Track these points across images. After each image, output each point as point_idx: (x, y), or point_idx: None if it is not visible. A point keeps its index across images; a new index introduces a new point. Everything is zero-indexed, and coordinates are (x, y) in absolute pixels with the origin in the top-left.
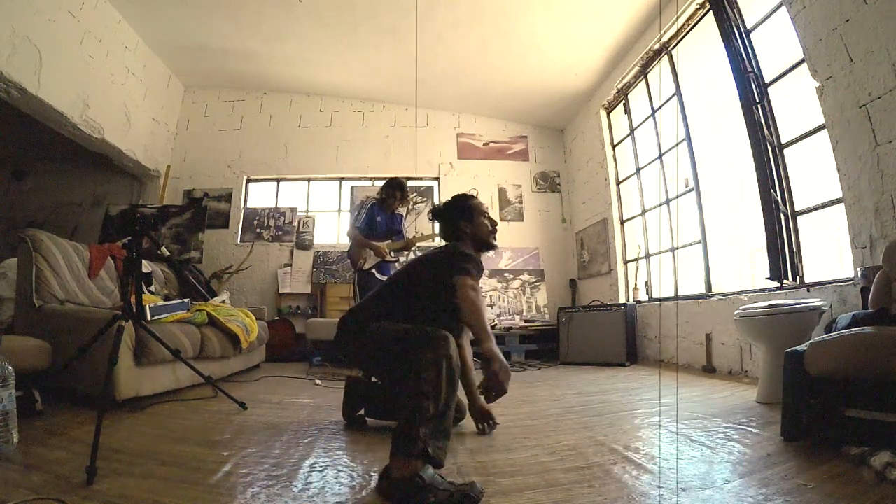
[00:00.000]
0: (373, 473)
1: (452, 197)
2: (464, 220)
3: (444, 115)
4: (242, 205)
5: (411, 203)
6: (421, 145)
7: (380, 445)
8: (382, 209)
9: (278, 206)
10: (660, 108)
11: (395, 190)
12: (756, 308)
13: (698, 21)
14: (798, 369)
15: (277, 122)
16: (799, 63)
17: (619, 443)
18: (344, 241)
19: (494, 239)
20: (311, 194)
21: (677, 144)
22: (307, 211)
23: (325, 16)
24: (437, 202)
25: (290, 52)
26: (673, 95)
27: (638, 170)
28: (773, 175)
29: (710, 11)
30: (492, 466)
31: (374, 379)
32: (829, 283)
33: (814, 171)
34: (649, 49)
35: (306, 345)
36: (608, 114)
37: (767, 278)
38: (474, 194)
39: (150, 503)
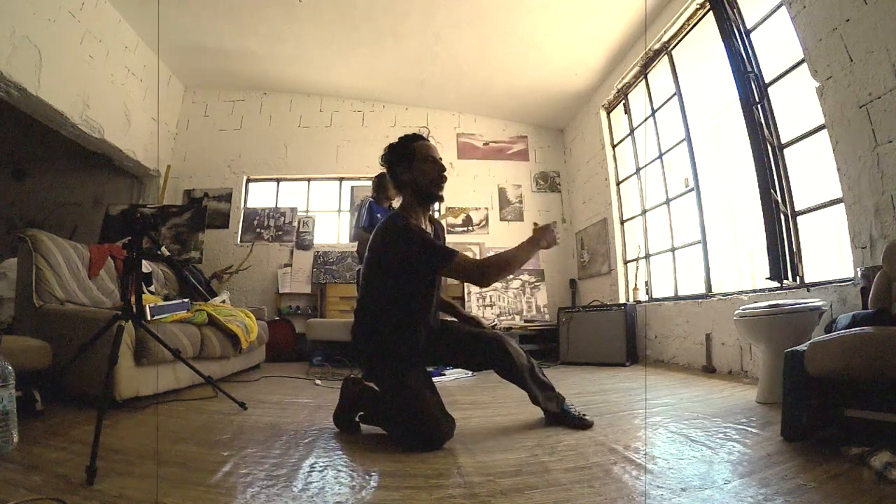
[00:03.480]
0: (373, 473)
1: (398, 138)
2: (402, 165)
3: (444, 115)
4: (242, 205)
5: None
6: None
7: (380, 445)
8: (380, 205)
9: (278, 206)
10: (660, 108)
11: (388, 180)
12: (756, 308)
13: (698, 21)
14: (798, 369)
15: (277, 122)
16: (799, 63)
17: (619, 443)
18: (344, 241)
19: (439, 187)
20: (311, 194)
21: (673, 147)
22: (307, 211)
23: (325, 16)
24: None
25: (290, 52)
26: (673, 95)
27: (638, 170)
28: (773, 175)
29: (710, 11)
30: (492, 466)
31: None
32: (829, 283)
33: (814, 171)
34: (649, 49)
35: (306, 345)
36: (608, 114)
37: (767, 278)
38: (424, 134)
39: (150, 503)
